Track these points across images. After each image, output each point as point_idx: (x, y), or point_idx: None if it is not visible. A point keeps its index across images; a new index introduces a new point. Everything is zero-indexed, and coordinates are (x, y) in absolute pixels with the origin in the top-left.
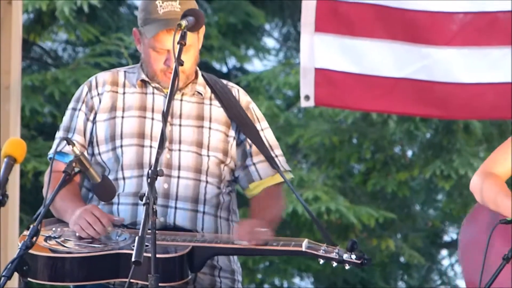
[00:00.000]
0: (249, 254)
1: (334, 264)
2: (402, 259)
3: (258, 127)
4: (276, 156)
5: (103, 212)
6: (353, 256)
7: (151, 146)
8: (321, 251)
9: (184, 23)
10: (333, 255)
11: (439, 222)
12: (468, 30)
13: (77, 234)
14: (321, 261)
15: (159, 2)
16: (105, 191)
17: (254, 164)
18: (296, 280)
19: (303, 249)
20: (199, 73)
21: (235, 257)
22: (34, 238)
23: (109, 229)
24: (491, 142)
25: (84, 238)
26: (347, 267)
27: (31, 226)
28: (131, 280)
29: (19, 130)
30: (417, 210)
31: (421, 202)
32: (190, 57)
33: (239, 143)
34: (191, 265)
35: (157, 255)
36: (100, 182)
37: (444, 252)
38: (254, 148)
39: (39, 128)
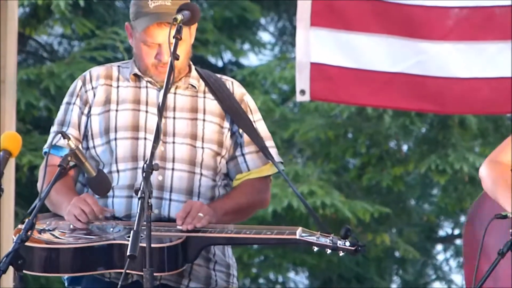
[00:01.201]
0: (244, 243)
1: (329, 251)
2: (397, 254)
3: (251, 119)
4: (268, 147)
5: (96, 201)
6: (347, 243)
7: (145, 138)
8: (315, 238)
9: (180, 17)
10: (327, 242)
11: (434, 217)
12: (464, 25)
13: (71, 226)
14: (315, 249)
15: None
16: (101, 185)
17: (243, 154)
18: (291, 274)
19: (297, 237)
20: (192, 67)
21: (230, 251)
22: (29, 232)
23: (100, 216)
24: (487, 137)
25: (78, 229)
26: (341, 254)
27: (26, 219)
28: (127, 271)
29: (15, 124)
30: (412, 204)
31: (416, 196)
32: (182, 51)
33: (232, 134)
34: (185, 255)
35: (152, 245)
36: (95, 176)
37: (439, 247)
38: (244, 139)
39: (35, 122)
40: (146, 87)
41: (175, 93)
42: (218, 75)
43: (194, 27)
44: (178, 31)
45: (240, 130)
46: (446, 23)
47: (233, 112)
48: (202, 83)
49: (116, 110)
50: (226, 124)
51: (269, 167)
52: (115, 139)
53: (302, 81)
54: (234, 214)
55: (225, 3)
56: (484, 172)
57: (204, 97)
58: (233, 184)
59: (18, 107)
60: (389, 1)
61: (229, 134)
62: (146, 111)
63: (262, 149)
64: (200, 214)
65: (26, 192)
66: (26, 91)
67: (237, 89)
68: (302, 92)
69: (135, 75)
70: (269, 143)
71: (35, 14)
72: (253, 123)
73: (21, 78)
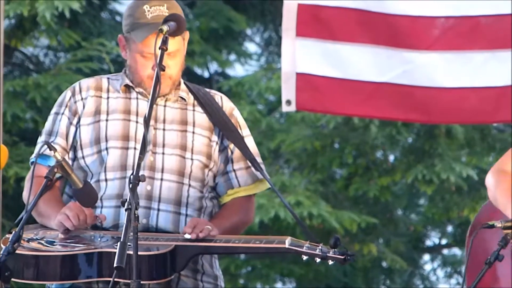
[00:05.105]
0: (233, 253)
1: (318, 260)
2: (384, 264)
3: (241, 134)
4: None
5: (91, 210)
6: (336, 252)
7: (135, 148)
8: (305, 247)
9: (165, 28)
10: (316, 251)
11: (421, 227)
12: (450, 34)
13: (59, 235)
14: (304, 258)
15: (146, 7)
16: (87, 196)
17: (234, 170)
18: (279, 285)
19: (287, 245)
20: (181, 80)
21: (217, 263)
22: (16, 244)
23: (88, 221)
24: (473, 146)
25: (66, 238)
26: (330, 262)
27: (13, 231)
28: (116, 279)
29: (1, 136)
30: (399, 214)
31: (403, 206)
32: (177, 63)
33: (222, 149)
34: (174, 264)
35: (140, 253)
36: (82, 188)
37: (426, 256)
38: (235, 154)
39: (21, 134)
40: (137, 98)
41: (165, 106)
42: (207, 89)
43: (186, 38)
44: (164, 42)
45: (231, 146)
46: (432, 32)
47: (222, 126)
48: (191, 96)
49: (107, 120)
50: (215, 138)
51: (257, 185)
52: (106, 148)
53: (288, 91)
54: (229, 233)
55: (211, 14)
56: (490, 181)
57: (194, 110)
58: (224, 199)
59: (4, 119)
60: (375, 11)
61: (217, 147)
62: (137, 122)
63: (252, 162)
64: (208, 227)
65: (12, 204)
66: (12, 103)
67: (226, 104)
68: (288, 102)
69: (126, 86)
70: (258, 159)
71: (20, 25)
72: (243, 138)
73: (7, 90)
